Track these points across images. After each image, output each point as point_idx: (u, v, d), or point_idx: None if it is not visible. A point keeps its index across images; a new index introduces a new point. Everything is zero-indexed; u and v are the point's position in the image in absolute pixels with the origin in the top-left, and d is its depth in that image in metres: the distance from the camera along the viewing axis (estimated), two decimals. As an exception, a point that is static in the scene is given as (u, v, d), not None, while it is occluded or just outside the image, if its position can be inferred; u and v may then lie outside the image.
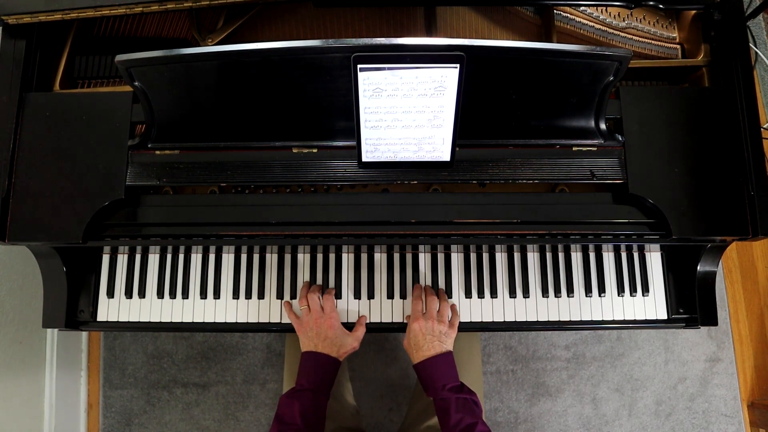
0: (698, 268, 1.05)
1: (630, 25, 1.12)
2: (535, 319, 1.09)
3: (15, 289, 1.41)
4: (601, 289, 1.09)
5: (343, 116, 0.92)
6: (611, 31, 1.12)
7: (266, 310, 1.09)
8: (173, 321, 1.09)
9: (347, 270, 1.11)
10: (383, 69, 0.79)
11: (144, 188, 1.03)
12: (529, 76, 0.88)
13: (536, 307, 1.09)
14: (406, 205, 0.97)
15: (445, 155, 0.92)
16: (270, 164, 0.97)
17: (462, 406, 0.90)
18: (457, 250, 1.11)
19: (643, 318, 1.09)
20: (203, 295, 1.09)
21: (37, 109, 0.99)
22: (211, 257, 1.11)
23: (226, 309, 1.09)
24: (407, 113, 0.86)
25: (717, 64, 1.04)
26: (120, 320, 1.09)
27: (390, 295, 1.09)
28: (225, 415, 1.72)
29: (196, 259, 1.11)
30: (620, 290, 1.09)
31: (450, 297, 1.09)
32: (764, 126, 1.67)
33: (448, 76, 0.80)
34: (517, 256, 1.11)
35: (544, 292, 1.09)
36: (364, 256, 1.11)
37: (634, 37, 1.12)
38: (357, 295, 1.09)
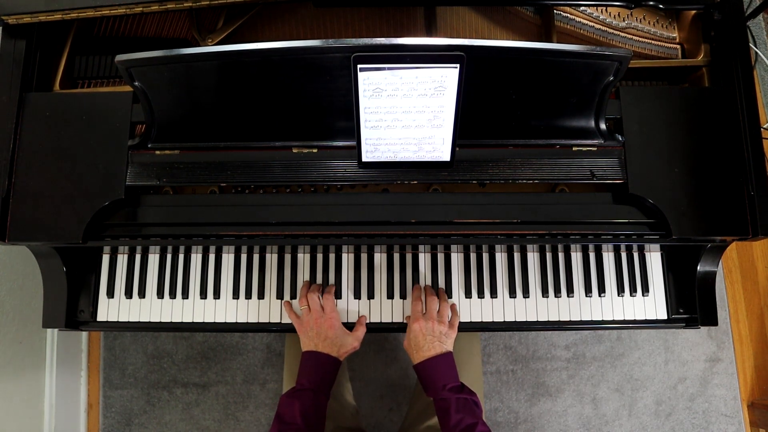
0: (698, 268, 1.05)
1: (630, 25, 1.12)
2: (535, 319, 1.09)
3: (15, 289, 1.41)
4: (601, 289, 1.09)
5: (343, 116, 0.92)
6: (611, 31, 1.12)
7: (266, 310, 1.09)
8: (173, 321, 1.09)
9: (347, 270, 1.11)
10: (383, 69, 0.79)
11: (144, 188, 1.03)
12: (529, 76, 0.88)
13: (536, 307, 1.09)
14: (406, 205, 0.97)
15: (445, 155, 0.93)
16: (270, 164, 0.97)
17: (462, 406, 0.90)
18: (457, 250, 1.11)
19: (643, 318, 1.09)
20: (203, 295, 1.09)
21: (37, 109, 0.99)
22: (211, 257, 1.11)
23: (226, 309, 1.09)
24: (407, 113, 0.86)
25: (717, 64, 1.04)
26: (120, 320, 1.09)
27: (390, 295, 1.09)
28: (225, 415, 1.72)
29: (196, 259, 1.11)
30: (620, 290, 1.09)
31: (450, 297, 1.09)
32: (764, 126, 1.67)
33: (448, 76, 0.80)
34: (517, 256, 1.11)
35: (544, 292, 1.09)
36: (364, 256, 1.11)
37: (634, 37, 1.12)
38: (357, 295, 1.09)
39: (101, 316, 1.09)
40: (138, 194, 1.01)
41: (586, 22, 1.11)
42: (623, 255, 1.11)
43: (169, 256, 1.11)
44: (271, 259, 1.11)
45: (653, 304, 1.09)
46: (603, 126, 0.96)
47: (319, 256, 1.11)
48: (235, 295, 1.10)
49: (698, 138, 0.97)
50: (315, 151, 0.97)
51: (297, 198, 1.01)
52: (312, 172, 0.97)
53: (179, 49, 0.85)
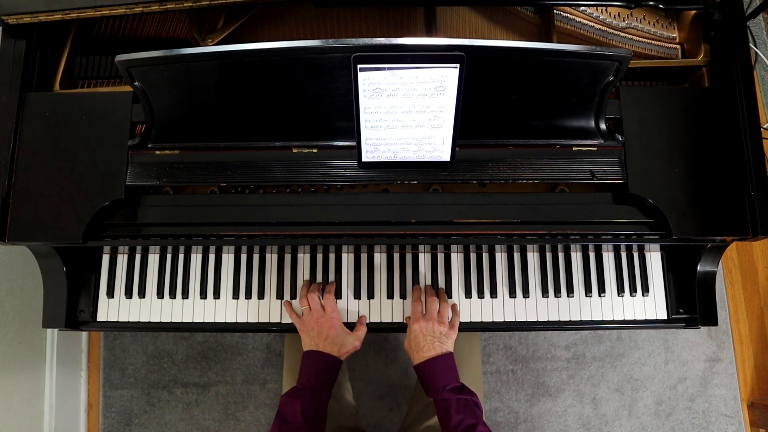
0: (698, 268, 1.05)
1: (630, 25, 1.12)
2: (535, 319, 1.09)
3: (15, 289, 1.41)
4: (601, 289, 1.09)
5: (343, 116, 0.92)
6: (611, 31, 1.12)
7: (266, 310, 1.09)
8: (173, 321, 1.09)
9: (347, 270, 1.11)
10: (383, 69, 0.79)
11: (144, 188, 1.03)
12: (529, 76, 0.88)
13: (536, 307, 1.09)
14: (406, 205, 0.97)
15: (445, 155, 0.93)
16: (270, 164, 0.97)
17: (463, 406, 0.90)
18: (457, 250, 1.11)
19: (643, 318, 1.09)
20: (203, 295, 1.09)
21: (37, 109, 0.99)
22: (211, 257, 1.11)
23: (226, 309, 1.09)
24: (407, 113, 0.86)
25: (717, 64, 1.04)
26: (120, 320, 1.09)
27: (390, 295, 1.09)
28: (225, 415, 1.72)
29: (196, 259, 1.11)
30: (620, 290, 1.09)
31: (450, 297, 1.09)
32: (764, 126, 1.67)
33: (448, 76, 0.80)
34: (517, 256, 1.11)
35: (544, 292, 1.09)
36: (364, 256, 1.11)
37: (634, 37, 1.12)
38: (357, 295, 1.09)
39: (101, 316, 1.09)
40: (138, 194, 1.01)
41: (586, 22, 1.11)
42: (623, 255, 1.11)
43: (169, 256, 1.11)
44: (271, 259, 1.11)
45: (653, 304, 1.09)
46: (603, 126, 0.96)
47: (319, 256, 1.11)
48: (235, 295, 1.10)
49: (698, 138, 0.97)
50: (315, 151, 0.97)
51: (297, 198, 1.01)
52: (312, 172, 0.97)
53: (179, 49, 0.85)
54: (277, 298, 1.09)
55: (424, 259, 1.11)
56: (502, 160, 0.97)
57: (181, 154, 0.98)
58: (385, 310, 1.09)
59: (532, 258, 1.10)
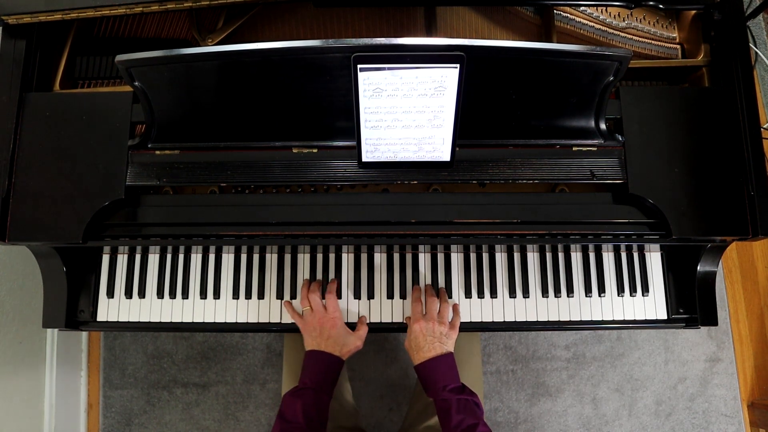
0: (698, 268, 1.05)
1: (630, 25, 1.12)
2: (535, 319, 1.09)
3: (15, 289, 1.41)
4: (601, 289, 1.09)
5: (343, 116, 0.92)
6: (611, 31, 1.12)
7: (266, 310, 1.09)
8: (173, 321, 1.09)
9: (347, 270, 1.11)
10: (383, 69, 0.79)
11: (144, 188, 1.03)
12: (529, 76, 0.88)
13: (536, 307, 1.09)
14: (406, 205, 0.97)
15: (445, 155, 0.93)
16: (270, 164, 0.97)
17: (463, 407, 0.90)
18: (457, 250, 1.11)
19: (643, 318, 1.09)
20: (203, 295, 1.09)
21: (37, 109, 0.99)
22: (211, 257, 1.11)
23: (226, 309, 1.09)
24: (407, 113, 0.86)
25: (717, 64, 1.04)
26: (120, 320, 1.09)
27: (390, 295, 1.09)
28: (225, 415, 1.72)
29: (196, 259, 1.11)
30: (620, 290, 1.09)
31: (450, 297, 1.09)
32: (764, 126, 1.67)
33: (448, 76, 0.80)
34: (517, 256, 1.11)
35: (544, 292, 1.09)
36: (364, 256, 1.11)
37: (634, 37, 1.12)
38: (357, 295, 1.09)
39: (101, 316, 1.09)
40: (138, 194, 1.01)
41: (586, 22, 1.11)
42: (623, 255, 1.11)
43: (169, 256, 1.11)
44: (271, 259, 1.11)
45: (653, 304, 1.09)
46: (603, 126, 0.96)
47: (319, 256, 1.11)
48: (235, 295, 1.10)
49: (698, 138, 0.97)
50: (315, 151, 0.97)
51: (297, 198, 1.01)
52: (312, 172, 0.97)
53: (179, 49, 0.85)
54: (277, 298, 1.09)
55: (424, 259, 1.11)
56: (502, 160, 0.97)
57: (181, 154, 0.98)
58: (385, 310, 1.09)
59: (532, 258, 1.10)
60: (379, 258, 1.11)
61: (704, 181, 0.96)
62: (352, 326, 1.05)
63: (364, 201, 0.98)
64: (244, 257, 1.11)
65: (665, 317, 1.09)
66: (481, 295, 1.09)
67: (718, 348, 1.81)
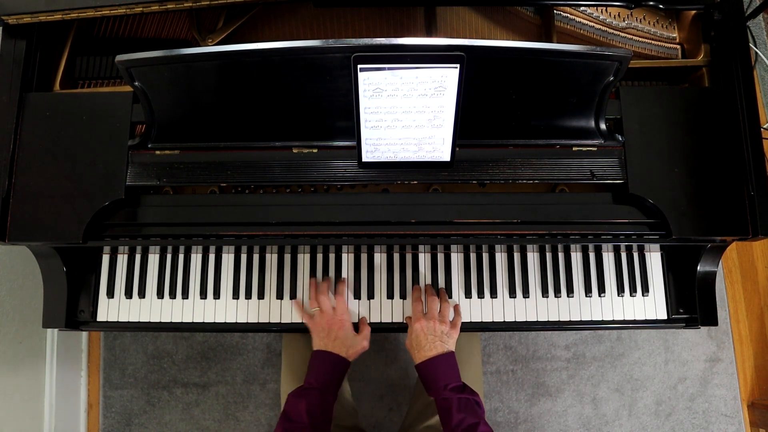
0: (698, 268, 1.05)
1: (630, 25, 1.12)
2: (535, 319, 1.09)
3: (15, 289, 1.41)
4: (601, 290, 1.09)
5: (343, 116, 0.92)
6: (611, 31, 1.12)
7: (266, 310, 1.09)
8: (173, 321, 1.09)
9: (347, 270, 1.11)
10: (383, 69, 0.79)
11: (144, 188, 1.03)
12: (529, 76, 0.88)
13: (536, 307, 1.09)
14: (406, 205, 0.97)
15: (445, 155, 0.93)
16: (270, 164, 0.97)
17: (464, 406, 0.90)
18: (457, 250, 1.11)
19: (643, 318, 1.09)
20: (203, 295, 1.09)
21: (37, 109, 0.99)
22: (211, 257, 1.11)
23: (226, 309, 1.09)
24: (407, 113, 0.86)
25: (717, 64, 1.04)
26: (120, 320, 1.09)
27: (390, 295, 1.09)
28: (225, 415, 1.72)
29: (196, 259, 1.11)
30: (620, 290, 1.09)
31: (450, 297, 1.09)
32: (764, 126, 1.67)
33: (448, 76, 0.80)
34: (517, 256, 1.11)
35: (544, 292, 1.09)
36: (364, 256, 1.11)
37: (634, 37, 1.12)
38: (357, 296, 1.09)
39: (101, 316, 1.09)
40: (138, 194, 1.01)
41: (586, 22, 1.11)
42: (623, 255, 1.11)
43: (169, 256, 1.11)
44: (271, 259, 1.11)
45: (653, 304, 1.09)
46: (603, 126, 0.96)
47: (319, 256, 1.11)
48: (235, 295, 1.10)
49: (698, 138, 0.97)
50: (315, 151, 0.97)
51: (297, 198, 1.01)
52: (312, 172, 0.97)
53: (179, 49, 0.85)
54: (277, 299, 1.09)
55: (424, 259, 1.11)
56: (502, 160, 0.97)
57: (181, 154, 0.98)
58: (385, 310, 1.09)
59: (532, 258, 1.10)
60: (379, 258, 1.11)
61: (704, 181, 0.96)
62: (353, 327, 1.05)
63: (364, 201, 0.98)
64: (244, 257, 1.11)
65: (665, 317, 1.09)
66: (481, 295, 1.09)
67: (718, 348, 1.81)
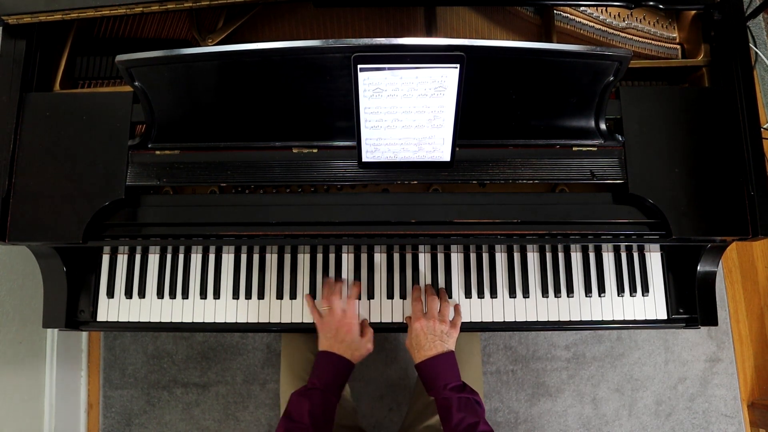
0: (698, 268, 1.05)
1: (630, 25, 1.12)
2: (535, 319, 1.09)
3: (15, 289, 1.41)
4: (601, 290, 1.09)
5: (343, 116, 0.92)
6: (611, 31, 1.12)
7: (266, 310, 1.09)
8: (173, 321, 1.09)
9: (347, 270, 1.11)
10: (383, 69, 0.79)
11: (144, 188, 1.03)
12: (529, 76, 0.88)
13: (536, 307, 1.09)
14: (406, 205, 0.97)
15: (445, 155, 0.93)
16: (270, 164, 0.97)
17: (464, 405, 0.90)
18: (457, 250, 1.11)
19: (643, 318, 1.09)
20: (203, 295, 1.09)
21: (37, 109, 0.99)
22: (211, 257, 1.11)
23: (226, 309, 1.09)
24: (407, 113, 0.86)
25: (717, 64, 1.04)
26: (120, 320, 1.09)
27: (390, 296, 1.09)
28: (225, 415, 1.72)
29: (196, 259, 1.11)
30: (620, 290, 1.09)
31: (450, 297, 1.09)
32: (764, 126, 1.67)
33: (448, 76, 0.80)
34: (517, 256, 1.11)
35: (544, 292, 1.09)
36: (363, 256, 1.11)
37: (634, 37, 1.13)
38: (357, 295, 1.09)
39: (101, 316, 1.09)
40: (138, 194, 1.01)
41: (586, 22, 1.11)
42: (623, 255, 1.11)
43: (169, 256, 1.11)
44: (271, 259, 1.11)
45: (653, 304, 1.09)
46: (603, 126, 0.96)
47: (319, 256, 1.11)
48: (235, 295, 1.10)
49: (698, 138, 0.97)
50: (315, 151, 0.97)
51: (297, 198, 1.01)
52: (312, 172, 0.97)
53: (179, 49, 0.85)
54: (277, 299, 1.09)
55: (424, 259, 1.11)
56: (502, 160, 0.97)
57: (181, 154, 0.98)
58: (385, 310, 1.09)
59: (532, 258, 1.10)
60: (379, 258, 1.11)
61: (704, 181, 0.96)
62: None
63: (364, 201, 0.98)
64: (244, 257, 1.11)
65: (665, 317, 1.09)
66: (481, 295, 1.09)
67: (718, 348, 1.81)
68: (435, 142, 0.90)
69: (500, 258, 1.11)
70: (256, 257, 1.11)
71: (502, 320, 1.09)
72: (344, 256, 1.11)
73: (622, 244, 1.09)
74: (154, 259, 1.11)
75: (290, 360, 1.17)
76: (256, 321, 1.09)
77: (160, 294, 1.10)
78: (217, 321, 1.09)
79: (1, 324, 1.36)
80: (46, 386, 1.52)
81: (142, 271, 1.10)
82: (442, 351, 0.96)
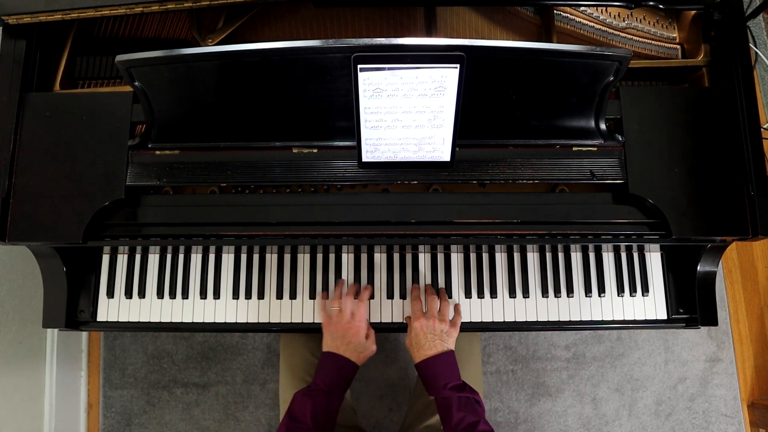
0: (698, 268, 1.05)
1: (630, 25, 1.12)
2: (535, 319, 1.09)
3: (15, 289, 1.41)
4: (601, 290, 1.09)
5: (343, 116, 0.92)
6: (611, 31, 1.12)
7: (266, 310, 1.09)
8: (173, 321, 1.09)
9: (347, 270, 1.11)
10: (383, 69, 0.79)
11: (144, 188, 1.03)
12: (529, 76, 0.88)
13: (536, 307, 1.09)
14: (406, 205, 0.97)
15: (445, 155, 0.93)
16: (270, 164, 0.97)
17: (464, 404, 0.90)
18: (457, 250, 1.11)
19: (643, 318, 1.09)
20: (203, 295, 1.09)
21: (37, 109, 0.99)
22: (211, 257, 1.11)
23: (226, 309, 1.09)
24: (407, 113, 0.86)
25: (717, 64, 1.04)
26: (120, 320, 1.09)
27: (390, 295, 1.09)
28: (225, 415, 1.72)
29: (196, 259, 1.11)
30: (620, 290, 1.09)
31: (450, 297, 1.09)
32: (764, 126, 1.67)
33: (448, 76, 0.80)
34: (516, 256, 1.11)
35: (544, 292, 1.09)
36: (364, 256, 1.11)
37: (634, 37, 1.13)
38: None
39: (101, 316, 1.09)
40: (138, 194, 1.01)
41: (586, 22, 1.11)
42: (623, 255, 1.11)
43: (169, 256, 1.11)
44: (271, 259, 1.11)
45: (653, 304, 1.09)
46: (603, 126, 0.96)
47: (319, 256, 1.11)
48: (235, 295, 1.10)
49: (698, 138, 0.97)
50: (315, 151, 0.97)
51: (297, 198, 1.01)
52: (312, 172, 0.97)
53: (179, 49, 0.85)
54: (277, 299, 1.09)
55: (424, 259, 1.11)
56: (502, 160, 0.97)
57: (181, 154, 0.98)
58: (385, 310, 1.09)
59: (532, 258, 1.10)
60: (379, 258, 1.11)
61: (704, 181, 0.96)
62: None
63: (364, 201, 0.98)
64: (244, 257, 1.11)
65: (665, 317, 1.09)
66: (481, 295, 1.09)
67: (718, 348, 1.81)
68: (435, 142, 0.90)
69: (500, 258, 1.11)
70: (256, 257, 1.11)
71: (502, 320, 1.09)
72: (344, 256, 1.11)
73: (622, 244, 1.09)
74: (154, 259, 1.11)
75: (290, 360, 1.17)
76: (256, 321, 1.09)
77: (160, 294, 1.10)
78: (217, 321, 1.09)
79: (1, 324, 1.36)
80: (46, 386, 1.52)
81: (142, 271, 1.10)
82: (441, 350, 0.96)
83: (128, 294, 1.10)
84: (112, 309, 1.09)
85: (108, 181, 0.96)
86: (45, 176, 0.97)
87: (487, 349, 1.77)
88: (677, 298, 1.09)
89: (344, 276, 1.10)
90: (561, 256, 1.11)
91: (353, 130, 0.89)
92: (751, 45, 1.08)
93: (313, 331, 1.09)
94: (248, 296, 1.09)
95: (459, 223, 0.97)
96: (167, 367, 1.74)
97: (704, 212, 0.95)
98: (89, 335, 1.74)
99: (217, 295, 1.10)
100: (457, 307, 1.06)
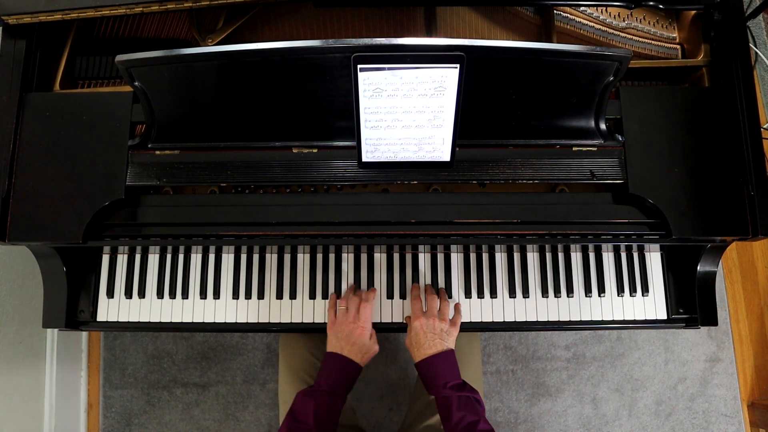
0: (698, 268, 1.05)
1: (630, 25, 1.12)
2: (535, 319, 1.09)
3: (15, 289, 1.41)
4: (601, 290, 1.09)
5: (343, 116, 0.92)
6: (611, 31, 1.12)
7: (266, 310, 1.09)
8: (173, 321, 1.09)
9: (347, 270, 1.11)
10: (383, 69, 0.79)
11: (144, 188, 1.03)
12: (529, 76, 0.88)
13: (536, 307, 1.09)
14: (406, 205, 0.97)
15: (445, 155, 0.93)
16: (270, 164, 0.97)
17: (464, 404, 0.90)
18: (457, 250, 1.11)
19: (643, 318, 1.09)
20: (203, 295, 1.09)
21: (37, 109, 0.99)
22: (211, 257, 1.11)
23: (226, 309, 1.09)
24: (407, 113, 0.86)
25: (717, 64, 1.04)
26: (120, 320, 1.09)
27: (390, 295, 1.09)
28: (225, 415, 1.72)
29: (196, 259, 1.11)
30: (620, 290, 1.09)
31: (450, 297, 1.09)
32: (764, 126, 1.67)
33: (448, 76, 0.80)
34: (516, 256, 1.11)
35: (544, 293, 1.09)
36: (363, 256, 1.11)
37: (634, 37, 1.13)
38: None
39: (101, 316, 1.09)
40: (138, 194, 1.01)
41: (586, 22, 1.11)
42: (623, 255, 1.11)
43: (169, 256, 1.11)
44: (271, 259, 1.11)
45: (653, 304, 1.09)
46: (603, 126, 0.96)
47: (319, 256, 1.11)
48: (235, 295, 1.10)
49: (698, 138, 0.97)
50: (315, 151, 0.97)
51: (297, 198, 1.01)
52: (312, 172, 0.97)
53: (179, 49, 0.85)
54: (277, 299, 1.09)
55: (424, 259, 1.11)
56: (502, 160, 0.97)
57: (181, 154, 0.98)
58: (385, 310, 1.09)
59: (532, 258, 1.10)
60: (379, 258, 1.11)
61: (704, 181, 0.96)
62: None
63: (364, 201, 0.98)
64: (244, 257, 1.11)
65: (665, 317, 1.09)
66: (481, 295, 1.09)
67: (718, 348, 1.81)
68: (435, 142, 0.90)
69: (500, 258, 1.11)
70: (256, 257, 1.11)
71: (502, 320, 1.09)
72: (344, 256, 1.11)
73: (622, 244, 1.09)
74: (154, 259, 1.11)
75: (289, 360, 1.17)
76: (256, 321, 1.09)
77: (160, 294, 1.10)
78: (217, 321, 1.09)
79: (1, 324, 1.36)
80: (46, 386, 1.52)
81: (142, 271, 1.10)
82: (441, 349, 0.96)
83: (128, 294, 1.10)
84: (112, 309, 1.09)
85: (108, 181, 0.96)
86: (45, 176, 0.97)
87: (487, 349, 1.77)
88: (677, 298, 1.09)
89: (344, 276, 1.10)
90: (561, 256, 1.11)
91: (353, 130, 0.89)
92: (751, 45, 1.08)
93: (312, 331, 1.09)
94: (248, 296, 1.09)
95: (459, 223, 0.97)
96: (167, 367, 1.74)
97: (704, 212, 0.95)
98: (89, 335, 1.74)
99: (217, 295, 1.10)
100: (457, 307, 1.06)
